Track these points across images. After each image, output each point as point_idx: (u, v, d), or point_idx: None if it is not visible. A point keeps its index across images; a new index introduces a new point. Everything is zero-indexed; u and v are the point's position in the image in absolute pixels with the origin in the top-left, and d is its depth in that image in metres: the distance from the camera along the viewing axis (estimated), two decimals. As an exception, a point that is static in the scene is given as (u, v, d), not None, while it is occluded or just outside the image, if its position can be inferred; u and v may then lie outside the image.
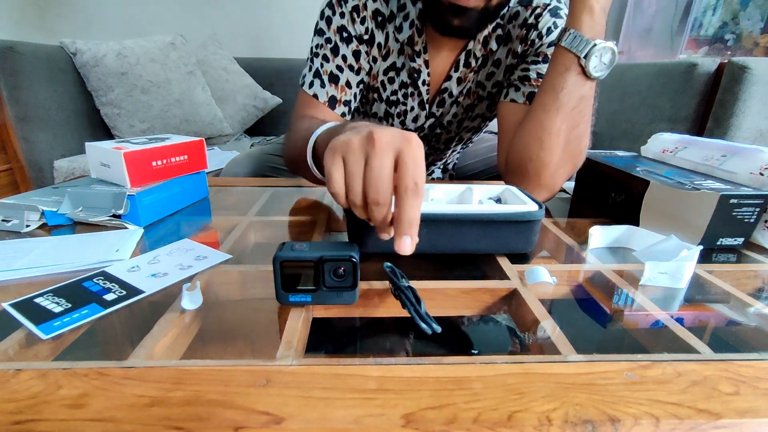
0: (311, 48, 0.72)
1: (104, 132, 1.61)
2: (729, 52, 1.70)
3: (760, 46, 1.60)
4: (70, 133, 1.50)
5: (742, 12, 1.65)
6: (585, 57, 0.53)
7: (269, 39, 2.06)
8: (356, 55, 0.70)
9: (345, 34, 0.69)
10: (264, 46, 2.05)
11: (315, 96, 0.69)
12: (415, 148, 0.31)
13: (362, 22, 0.69)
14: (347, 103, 0.72)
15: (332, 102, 0.70)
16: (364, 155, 0.31)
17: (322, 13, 0.70)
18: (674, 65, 1.38)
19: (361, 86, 0.74)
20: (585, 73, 0.54)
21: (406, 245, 0.30)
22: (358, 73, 0.72)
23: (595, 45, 0.53)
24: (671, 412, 0.23)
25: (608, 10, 0.55)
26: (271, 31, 2.05)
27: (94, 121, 1.59)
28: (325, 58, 0.69)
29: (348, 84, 0.71)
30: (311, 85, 0.70)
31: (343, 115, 0.72)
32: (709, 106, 1.30)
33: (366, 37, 0.70)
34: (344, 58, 0.70)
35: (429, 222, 0.41)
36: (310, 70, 0.71)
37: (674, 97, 1.37)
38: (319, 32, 0.71)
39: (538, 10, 0.69)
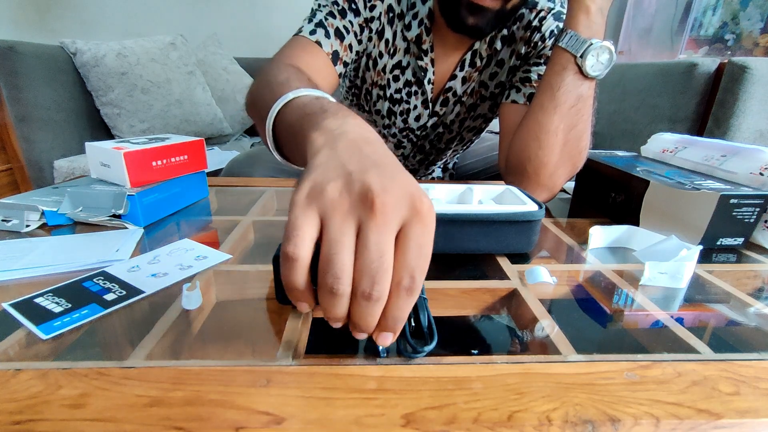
0: (312, 7, 0.66)
1: (104, 132, 1.61)
2: (729, 52, 1.70)
3: (760, 46, 1.60)
4: (70, 133, 1.50)
5: (742, 12, 1.65)
6: (581, 56, 0.53)
7: (269, 39, 2.05)
8: (361, 29, 0.68)
9: (354, 6, 0.66)
10: (264, 46, 2.05)
11: (318, 43, 0.62)
12: (426, 224, 0.23)
13: (371, 9, 0.67)
14: (346, 65, 0.66)
15: (335, 57, 0.63)
16: (355, 222, 0.23)
17: None
18: (674, 65, 1.38)
19: (355, 63, 0.73)
20: (582, 72, 0.54)
21: (388, 340, 0.24)
22: (359, 43, 0.68)
23: (591, 44, 0.53)
24: (671, 412, 0.23)
25: (606, 11, 0.55)
26: (271, 31, 2.05)
27: (94, 121, 1.59)
28: (332, 15, 0.64)
29: (350, 47, 0.66)
30: (313, 32, 0.62)
31: (340, 76, 0.66)
32: (709, 106, 1.30)
33: (372, 26, 0.69)
34: (351, 23, 0.66)
35: (443, 220, 0.41)
36: (310, 21, 0.64)
37: (674, 97, 1.37)
38: None
39: (542, 14, 0.69)
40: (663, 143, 0.64)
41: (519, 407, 0.23)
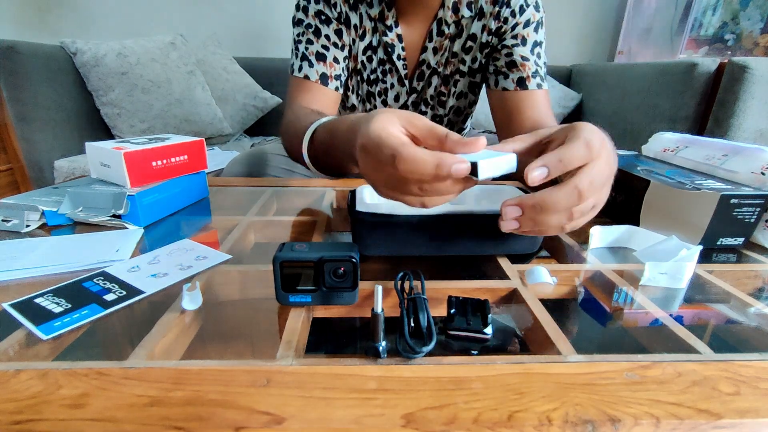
0: (293, 39, 0.75)
1: (104, 132, 1.61)
2: (729, 52, 1.70)
3: (760, 46, 1.60)
4: (70, 133, 1.50)
5: (742, 12, 1.65)
6: None
7: (269, 39, 2.05)
8: (338, 33, 0.74)
9: (323, 17, 0.73)
10: (264, 46, 2.05)
11: (306, 77, 0.72)
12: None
13: (335, 6, 0.73)
14: (338, 77, 0.75)
15: (324, 79, 0.73)
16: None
17: (298, 5, 0.74)
18: (674, 65, 1.38)
19: (347, 61, 0.77)
20: None
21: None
22: (342, 49, 0.75)
23: None
24: (671, 412, 0.23)
25: None
26: (271, 31, 2.05)
27: (94, 121, 1.59)
28: (309, 42, 0.73)
29: (335, 59, 0.74)
30: (300, 68, 0.73)
31: (336, 89, 0.75)
32: (709, 106, 1.30)
33: (342, 19, 0.74)
34: (327, 37, 0.73)
35: (449, 221, 0.41)
36: (296, 57, 0.74)
37: (674, 97, 1.37)
38: (298, 22, 0.74)
39: None
40: (664, 142, 0.64)
41: (519, 407, 0.23)
